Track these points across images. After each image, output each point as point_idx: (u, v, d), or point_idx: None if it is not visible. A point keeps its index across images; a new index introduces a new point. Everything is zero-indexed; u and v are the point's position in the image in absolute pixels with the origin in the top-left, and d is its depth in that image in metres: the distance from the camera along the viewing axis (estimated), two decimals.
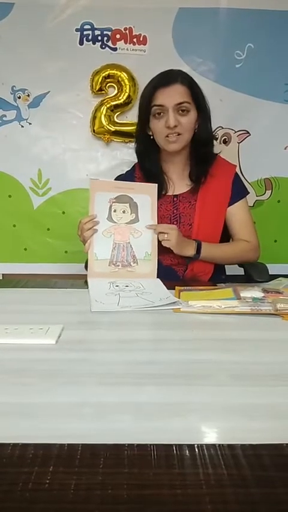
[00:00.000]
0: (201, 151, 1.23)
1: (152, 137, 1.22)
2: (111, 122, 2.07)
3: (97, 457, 0.45)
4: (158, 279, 1.12)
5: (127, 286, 1.05)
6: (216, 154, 1.29)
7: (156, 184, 1.17)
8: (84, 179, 2.04)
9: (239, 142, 2.11)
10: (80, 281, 1.12)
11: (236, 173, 1.28)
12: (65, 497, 0.40)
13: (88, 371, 0.64)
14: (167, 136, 1.17)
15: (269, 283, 1.13)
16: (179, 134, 1.16)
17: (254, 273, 1.18)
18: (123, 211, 1.16)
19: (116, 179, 1.35)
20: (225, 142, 2.10)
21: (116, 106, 2.07)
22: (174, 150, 1.20)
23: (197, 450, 0.46)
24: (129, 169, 1.38)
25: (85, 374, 0.63)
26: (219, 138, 2.07)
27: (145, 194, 1.16)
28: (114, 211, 1.16)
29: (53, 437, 0.48)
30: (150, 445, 0.46)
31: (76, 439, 0.47)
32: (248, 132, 2.12)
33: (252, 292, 0.95)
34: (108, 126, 2.06)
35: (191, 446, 0.46)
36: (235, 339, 0.78)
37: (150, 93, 1.16)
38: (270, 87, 2.12)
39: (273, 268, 1.29)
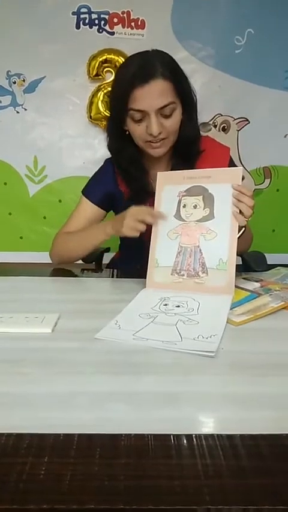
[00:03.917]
0: (187, 150, 1.06)
1: (128, 132, 1.03)
2: (108, 108, 2.04)
3: (93, 447, 0.44)
4: (231, 295, 0.86)
5: (178, 306, 0.83)
6: (204, 137, 1.11)
7: (242, 168, 0.94)
8: (81, 167, 2.02)
9: (238, 130, 2.09)
10: (76, 269, 1.11)
11: (231, 157, 1.16)
12: (60, 488, 0.39)
13: (84, 360, 0.63)
14: (150, 141, 0.99)
15: (267, 273, 1.12)
16: (163, 139, 0.99)
17: (252, 262, 1.17)
18: (195, 206, 0.93)
19: (91, 179, 1.17)
20: (224, 130, 2.07)
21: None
22: (158, 155, 1.03)
23: (195, 440, 0.45)
24: (102, 165, 1.17)
25: (81, 363, 0.62)
26: (218, 126, 2.05)
27: (226, 182, 0.91)
28: (184, 206, 0.94)
29: (48, 427, 0.47)
30: (148, 435, 0.46)
31: (72, 429, 0.47)
32: (248, 120, 2.09)
33: (251, 285, 0.94)
34: (105, 113, 2.03)
35: (188, 437, 0.46)
36: (233, 327, 0.77)
37: (125, 93, 0.93)
38: (270, 74, 2.10)
39: (270, 258, 1.28)
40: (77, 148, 2.08)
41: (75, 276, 1.07)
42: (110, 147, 1.09)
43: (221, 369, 0.61)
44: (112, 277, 1.13)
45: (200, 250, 0.91)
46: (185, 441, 0.45)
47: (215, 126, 2.05)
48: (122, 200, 1.10)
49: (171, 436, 0.46)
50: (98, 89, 2.04)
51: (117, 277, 1.12)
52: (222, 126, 2.07)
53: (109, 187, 1.12)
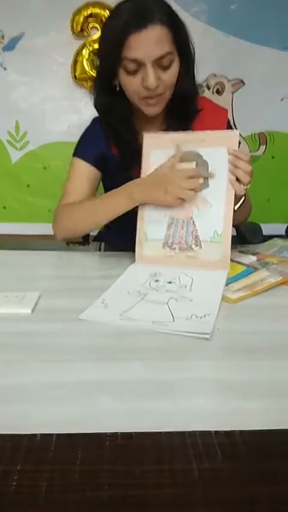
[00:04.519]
0: (183, 109, 0.96)
1: (118, 88, 0.92)
2: (94, 67, 1.90)
3: (74, 451, 0.38)
4: (226, 270, 0.81)
5: (170, 282, 0.77)
6: (200, 97, 1.01)
7: (238, 132, 0.87)
8: (66, 131, 1.91)
9: (233, 92, 1.98)
10: (61, 242, 1.03)
11: (228, 119, 1.07)
12: (36, 502, 0.34)
13: (66, 345, 0.57)
14: (145, 98, 0.89)
15: (263, 245, 1.07)
16: (159, 95, 0.88)
17: (247, 233, 1.11)
18: None
19: (81, 140, 1.05)
20: (218, 92, 1.96)
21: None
22: (154, 113, 0.92)
23: (189, 439, 0.40)
24: (90, 125, 1.05)
25: (62, 348, 0.56)
26: (211, 88, 1.93)
27: (221, 146, 0.84)
28: None
29: (22, 426, 0.41)
30: (136, 434, 0.40)
31: (50, 427, 0.41)
32: (243, 81, 1.98)
33: (247, 258, 0.88)
34: (91, 72, 1.90)
35: (182, 435, 0.40)
36: (229, 305, 0.71)
37: (119, 39, 0.82)
38: (267, 32, 1.97)
39: (265, 229, 1.23)
40: (61, 112, 1.95)
41: (59, 249, 1.00)
42: (98, 104, 0.98)
43: (217, 353, 0.56)
44: (100, 250, 1.06)
45: (193, 221, 0.85)
46: (178, 440, 0.40)
47: (208, 88, 1.93)
48: (114, 164, 1.01)
49: (162, 434, 0.40)
50: (83, 46, 1.89)
51: (105, 250, 1.06)
52: (216, 88, 1.95)
53: (102, 148, 1.01)
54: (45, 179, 1.97)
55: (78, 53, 1.90)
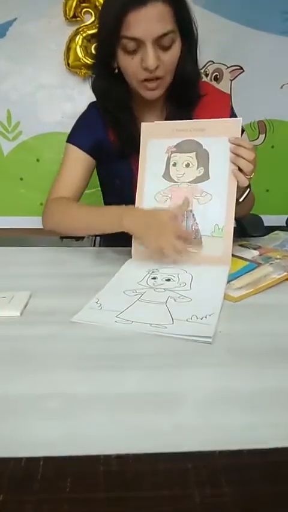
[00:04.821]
0: (185, 93, 0.90)
1: (117, 71, 0.87)
2: (88, 54, 1.84)
3: (63, 477, 0.34)
4: (228, 266, 0.76)
5: (168, 280, 0.73)
6: (202, 82, 0.95)
7: (241, 119, 0.82)
8: (59, 122, 1.85)
9: (231, 79, 1.92)
10: (54, 237, 0.99)
11: (232, 105, 1.02)
12: None
13: (57, 351, 0.53)
14: (145, 81, 0.84)
15: (264, 238, 1.02)
16: (159, 78, 0.84)
17: (248, 226, 1.07)
18: (187, 165, 0.82)
19: (76, 125, 1.00)
20: (216, 79, 1.90)
21: (94, 35, 1.82)
22: (153, 97, 0.88)
23: (190, 463, 0.36)
24: (86, 110, 1.00)
25: (53, 356, 0.52)
26: (209, 75, 1.87)
27: (222, 135, 0.80)
28: (174, 164, 0.82)
29: (5, 448, 0.37)
30: (132, 456, 0.36)
31: (37, 449, 0.37)
32: (242, 68, 1.92)
33: (249, 253, 0.84)
34: (84, 59, 1.83)
35: (183, 456, 0.36)
36: (231, 304, 0.67)
37: (118, 17, 0.78)
38: (267, 17, 1.90)
39: (264, 221, 1.19)
40: (54, 101, 1.88)
41: (52, 245, 0.95)
42: (96, 88, 0.93)
43: (220, 359, 0.52)
44: (95, 245, 1.02)
45: (193, 215, 0.81)
46: (178, 463, 0.36)
47: (207, 75, 1.87)
48: (110, 151, 0.96)
49: (161, 457, 0.36)
50: (76, 33, 1.82)
51: (101, 245, 1.01)
52: (214, 75, 1.89)
53: (98, 134, 0.96)
54: (38, 172, 1.92)
55: (71, 40, 1.83)
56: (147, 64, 0.79)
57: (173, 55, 0.82)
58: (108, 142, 0.96)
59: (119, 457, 0.36)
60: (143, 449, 0.37)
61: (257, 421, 0.41)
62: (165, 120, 0.93)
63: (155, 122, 0.89)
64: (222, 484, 0.34)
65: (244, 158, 0.77)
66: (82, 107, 0.99)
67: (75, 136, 0.98)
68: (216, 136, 0.80)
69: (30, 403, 0.43)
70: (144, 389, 0.45)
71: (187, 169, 0.82)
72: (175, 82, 0.88)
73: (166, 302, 0.66)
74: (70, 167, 0.97)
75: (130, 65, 0.82)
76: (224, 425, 0.41)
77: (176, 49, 0.83)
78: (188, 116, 0.90)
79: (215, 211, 0.80)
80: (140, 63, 0.81)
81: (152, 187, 0.83)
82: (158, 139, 0.83)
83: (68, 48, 1.84)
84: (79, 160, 0.96)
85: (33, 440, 0.38)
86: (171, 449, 0.37)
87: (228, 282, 0.73)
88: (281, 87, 1.96)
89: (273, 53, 1.92)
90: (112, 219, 0.83)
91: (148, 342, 0.55)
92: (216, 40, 1.87)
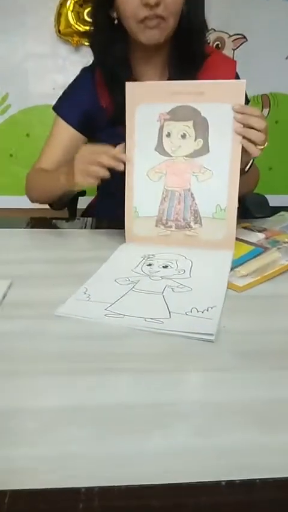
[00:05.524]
0: (189, 48, 0.81)
1: (116, 21, 0.80)
2: (80, 20, 1.73)
3: None
4: (231, 251, 0.70)
5: (165, 266, 0.67)
6: (207, 46, 0.87)
7: (245, 81, 0.72)
8: (51, 94, 1.74)
9: (234, 49, 1.81)
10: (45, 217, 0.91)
11: (237, 73, 0.93)
12: None
13: (35, 352, 0.46)
14: (144, 20, 0.75)
15: (269, 220, 0.95)
16: (161, 18, 0.75)
17: (252, 207, 0.99)
18: (183, 136, 0.72)
19: (65, 93, 0.94)
20: (218, 48, 1.79)
21: (86, 0, 1.71)
22: (153, 40, 0.79)
23: (192, 497, 0.29)
24: (78, 75, 0.95)
25: (30, 358, 0.45)
26: (211, 44, 1.76)
27: (223, 101, 0.69)
28: (168, 135, 0.73)
29: None
30: (118, 488, 0.30)
31: (5, 479, 0.30)
32: (245, 37, 1.81)
33: (254, 236, 0.77)
34: (76, 26, 1.72)
35: (183, 491, 0.30)
36: (236, 294, 0.60)
37: None
38: None
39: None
40: (45, 71, 1.79)
41: (38, 226, 0.88)
42: (95, 42, 0.86)
43: (224, 361, 0.45)
44: (86, 227, 0.94)
45: (192, 194, 0.73)
46: (175, 498, 0.29)
47: (208, 43, 1.77)
48: (104, 120, 0.88)
49: (154, 491, 0.30)
50: None
51: (93, 227, 0.93)
52: (215, 44, 1.78)
53: (87, 104, 0.89)
54: (29, 147, 1.82)
55: (62, 5, 1.72)
56: None
57: None
58: (101, 110, 0.88)
59: (102, 490, 0.30)
60: (131, 480, 0.30)
61: (272, 440, 0.34)
62: (167, 80, 0.84)
63: (145, 82, 0.80)
64: None
65: (255, 127, 0.68)
66: (74, 77, 0.92)
67: (63, 107, 0.93)
68: (217, 101, 0.70)
69: None
70: (135, 400, 0.39)
71: (183, 141, 0.72)
72: (179, 33, 0.79)
73: (163, 292, 0.59)
74: (56, 141, 0.94)
75: (129, 2, 0.74)
76: (231, 446, 0.34)
77: None
78: (192, 77, 0.80)
79: (216, 190, 0.72)
80: (139, 0, 0.73)
81: (144, 163, 0.74)
82: (147, 103, 0.73)
83: (59, 14, 1.73)
84: (63, 137, 0.93)
85: (0, 469, 0.32)
86: (167, 480, 0.30)
87: (232, 268, 0.66)
88: (287, 58, 1.86)
89: (278, 20, 1.82)
90: (54, 179, 0.83)
91: (141, 339, 0.48)
92: (218, 7, 1.75)
